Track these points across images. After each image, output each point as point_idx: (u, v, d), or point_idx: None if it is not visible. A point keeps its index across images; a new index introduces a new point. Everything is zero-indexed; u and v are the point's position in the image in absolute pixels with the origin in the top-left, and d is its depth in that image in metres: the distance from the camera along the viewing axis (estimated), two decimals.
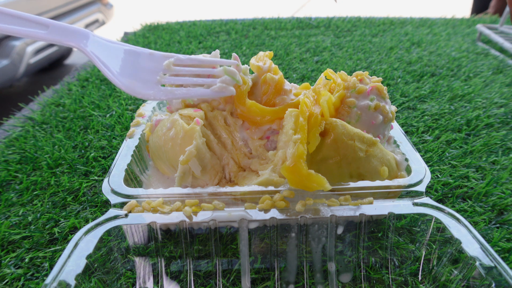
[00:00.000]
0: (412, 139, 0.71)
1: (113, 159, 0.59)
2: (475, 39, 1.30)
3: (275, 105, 0.51)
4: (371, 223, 0.45)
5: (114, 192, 0.43)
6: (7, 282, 0.44)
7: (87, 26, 2.43)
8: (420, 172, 0.45)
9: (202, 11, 4.11)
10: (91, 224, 0.39)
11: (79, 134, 0.74)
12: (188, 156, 0.43)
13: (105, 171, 0.64)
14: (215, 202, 0.41)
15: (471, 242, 0.36)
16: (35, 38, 0.32)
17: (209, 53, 0.51)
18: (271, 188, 0.42)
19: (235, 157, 0.50)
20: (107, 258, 0.40)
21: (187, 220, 0.40)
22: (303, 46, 1.25)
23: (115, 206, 0.41)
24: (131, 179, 0.48)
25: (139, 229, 0.41)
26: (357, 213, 0.40)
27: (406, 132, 0.74)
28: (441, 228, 0.39)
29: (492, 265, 0.34)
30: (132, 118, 0.78)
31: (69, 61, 2.81)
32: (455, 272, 0.38)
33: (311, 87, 0.53)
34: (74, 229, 0.51)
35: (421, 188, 0.43)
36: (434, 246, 0.41)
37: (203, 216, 0.40)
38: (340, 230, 0.42)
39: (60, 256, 0.36)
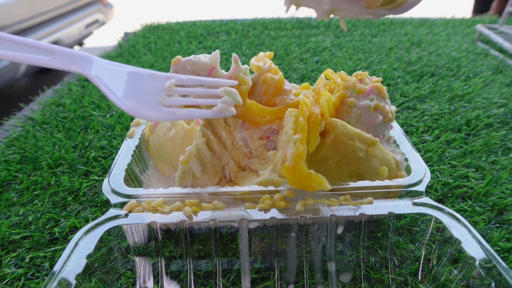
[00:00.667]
0: (412, 139, 0.71)
1: (113, 159, 0.59)
2: (474, 39, 1.30)
3: (275, 105, 0.51)
4: (371, 223, 0.46)
5: (114, 192, 0.43)
6: (8, 281, 0.44)
7: (87, 26, 2.44)
8: (420, 172, 0.45)
9: (202, 11, 4.11)
10: (91, 224, 0.39)
11: (79, 134, 0.74)
12: (188, 156, 0.43)
13: (105, 171, 0.64)
14: (215, 202, 0.41)
15: (470, 242, 0.36)
16: (40, 65, 0.33)
17: (209, 53, 0.51)
18: (271, 188, 0.42)
19: (235, 157, 0.50)
20: (107, 258, 0.40)
21: (187, 220, 0.40)
22: (303, 46, 1.25)
23: (115, 206, 0.41)
24: (131, 179, 0.48)
25: (139, 229, 0.42)
26: (357, 213, 0.40)
27: (406, 132, 0.74)
28: (441, 228, 0.40)
29: (492, 264, 0.34)
30: (132, 118, 0.78)
31: None
32: (455, 271, 0.38)
33: (311, 87, 0.53)
34: (74, 229, 0.51)
35: (421, 188, 0.43)
36: (434, 246, 0.41)
37: (203, 216, 0.40)
38: (340, 230, 0.42)
39: (60, 255, 0.36)
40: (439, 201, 0.56)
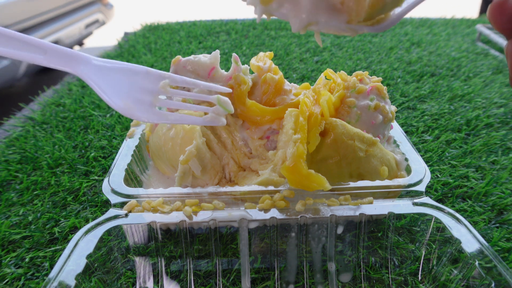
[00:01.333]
0: (412, 139, 0.71)
1: (113, 159, 0.59)
2: (474, 39, 1.30)
3: (275, 105, 0.51)
4: (371, 223, 0.46)
5: (114, 192, 0.43)
6: (8, 281, 0.44)
7: (87, 26, 2.44)
8: (420, 172, 0.45)
9: (202, 11, 4.11)
10: (91, 223, 0.39)
11: (79, 134, 0.74)
12: (188, 156, 0.43)
13: (105, 171, 0.64)
14: (215, 202, 0.41)
15: (471, 241, 0.36)
16: (33, 62, 0.32)
17: (209, 53, 0.51)
18: (271, 188, 0.42)
19: (235, 157, 0.50)
20: (107, 258, 0.40)
21: (187, 220, 0.40)
22: (303, 46, 1.25)
23: (115, 206, 0.41)
24: (131, 179, 0.48)
25: (139, 229, 0.42)
26: (357, 213, 0.40)
27: (406, 132, 0.74)
28: (441, 228, 0.40)
29: (492, 264, 0.34)
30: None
31: None
32: (455, 271, 0.38)
33: (311, 87, 0.53)
34: (74, 229, 0.51)
35: (421, 188, 0.43)
36: (434, 246, 0.41)
37: (203, 216, 0.40)
38: (340, 230, 0.42)
39: (60, 255, 0.36)
40: (439, 201, 0.55)
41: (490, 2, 0.25)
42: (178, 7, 4.49)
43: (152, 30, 1.49)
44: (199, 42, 1.32)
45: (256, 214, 0.40)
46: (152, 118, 0.36)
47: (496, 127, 0.74)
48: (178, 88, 0.44)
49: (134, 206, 0.41)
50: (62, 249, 0.48)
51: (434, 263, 0.42)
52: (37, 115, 0.83)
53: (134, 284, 0.42)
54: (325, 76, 0.52)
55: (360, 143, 0.44)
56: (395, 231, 0.48)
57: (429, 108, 0.82)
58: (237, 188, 0.42)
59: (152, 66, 1.08)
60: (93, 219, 0.52)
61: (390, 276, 0.43)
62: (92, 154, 0.67)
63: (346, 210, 0.40)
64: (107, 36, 3.17)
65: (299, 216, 0.40)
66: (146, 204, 0.41)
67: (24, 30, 1.92)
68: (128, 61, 1.14)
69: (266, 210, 0.40)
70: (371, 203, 0.41)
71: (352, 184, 0.43)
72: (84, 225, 0.44)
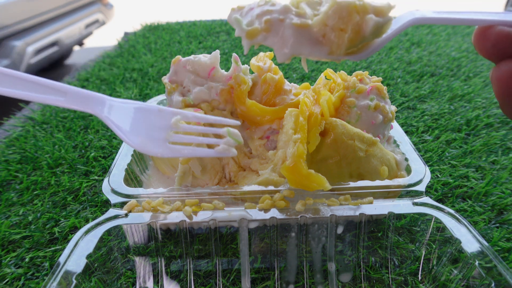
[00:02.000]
0: (412, 139, 0.71)
1: (113, 159, 0.59)
2: None
3: (275, 105, 0.51)
4: (371, 223, 0.45)
5: (114, 191, 0.43)
6: (8, 281, 0.44)
7: (87, 26, 2.44)
8: (420, 172, 0.45)
9: (202, 11, 4.11)
10: (91, 223, 0.39)
11: (79, 134, 0.74)
12: None
13: (105, 171, 0.64)
14: (215, 202, 0.41)
15: (471, 241, 0.36)
16: (55, 105, 0.35)
17: (209, 53, 0.51)
18: (271, 187, 0.42)
19: (235, 156, 0.50)
20: (107, 258, 0.40)
21: (187, 219, 0.40)
22: None
23: (115, 205, 0.41)
24: (131, 178, 0.48)
25: (139, 229, 0.42)
26: (357, 213, 0.40)
27: (406, 132, 0.74)
28: (441, 228, 0.40)
29: (492, 264, 0.34)
30: None
31: (69, 61, 2.81)
32: (455, 271, 0.38)
33: (311, 87, 0.53)
34: (74, 229, 0.51)
35: (421, 187, 0.43)
36: (434, 246, 0.41)
37: (203, 216, 0.40)
38: (340, 230, 0.42)
39: (60, 255, 0.36)
40: (439, 201, 0.55)
41: None
42: (178, 7, 4.49)
43: (152, 30, 1.49)
44: (199, 42, 1.32)
45: (256, 214, 0.40)
46: (166, 153, 0.38)
47: (496, 127, 0.74)
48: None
49: (134, 206, 0.41)
50: (62, 249, 0.48)
51: (434, 263, 0.41)
52: (37, 115, 0.83)
53: (134, 284, 0.42)
54: (325, 76, 0.52)
55: (360, 143, 0.44)
56: (395, 231, 0.48)
57: (429, 108, 0.82)
58: (237, 188, 0.42)
59: (152, 66, 1.08)
60: (93, 219, 0.52)
61: (390, 276, 0.43)
62: (92, 154, 0.67)
63: (346, 210, 0.40)
64: (107, 36, 3.17)
65: (299, 216, 0.40)
66: (146, 204, 0.41)
67: (25, 30, 1.92)
68: (128, 61, 1.14)
69: (266, 210, 0.40)
70: (371, 203, 0.41)
71: (352, 184, 0.43)
72: (84, 225, 0.44)
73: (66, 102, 0.34)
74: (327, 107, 0.45)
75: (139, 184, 0.50)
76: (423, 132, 0.73)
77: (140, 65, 1.09)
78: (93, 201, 0.56)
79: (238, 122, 0.41)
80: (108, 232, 0.39)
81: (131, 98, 0.89)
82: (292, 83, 0.55)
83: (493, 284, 0.33)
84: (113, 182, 0.44)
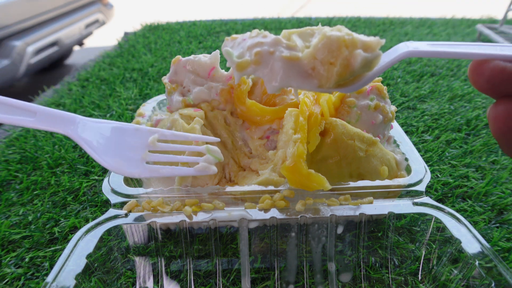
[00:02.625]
0: (412, 139, 0.71)
1: None
2: (475, 39, 1.30)
3: (275, 104, 0.51)
4: (371, 223, 0.45)
5: (114, 191, 0.43)
6: (8, 281, 0.44)
7: (87, 26, 2.44)
8: (420, 171, 0.45)
9: (202, 11, 4.11)
10: (91, 223, 0.39)
11: None
12: None
13: (105, 170, 0.64)
14: (215, 202, 0.41)
15: (471, 241, 0.36)
16: (23, 126, 0.33)
17: (209, 53, 0.51)
18: (271, 187, 0.42)
19: (235, 156, 0.50)
20: (107, 258, 0.40)
21: (187, 219, 0.40)
22: None
23: (115, 205, 0.41)
24: (131, 178, 0.48)
25: (139, 229, 0.42)
26: (357, 213, 0.40)
27: (406, 132, 0.74)
28: (441, 228, 0.40)
29: (492, 264, 0.34)
30: (132, 118, 0.78)
31: (69, 61, 2.81)
32: (455, 271, 0.38)
33: None
34: (74, 229, 0.51)
35: (421, 187, 0.43)
36: (434, 246, 0.41)
37: (203, 216, 0.40)
38: (340, 230, 0.42)
39: (60, 255, 0.36)
40: (439, 201, 0.55)
41: None
42: (178, 7, 4.49)
43: (152, 30, 1.49)
44: (199, 42, 1.32)
45: (256, 214, 0.40)
46: (143, 173, 0.36)
47: None
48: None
49: (134, 206, 0.41)
50: (62, 249, 0.48)
51: (434, 263, 0.41)
52: None
53: (134, 284, 0.42)
54: None
55: (360, 143, 0.44)
56: (395, 231, 0.48)
57: (429, 108, 0.82)
58: (237, 188, 0.42)
59: (152, 66, 1.08)
60: (93, 219, 0.52)
61: (390, 276, 0.43)
62: None
63: (346, 210, 0.40)
64: (107, 36, 3.17)
65: (299, 216, 0.40)
66: (146, 204, 0.41)
67: (25, 30, 1.92)
68: (128, 61, 1.14)
69: (266, 210, 0.40)
70: (371, 203, 0.41)
71: (352, 184, 0.43)
72: (84, 225, 0.44)
73: (36, 123, 0.33)
74: (327, 107, 0.45)
75: (139, 184, 0.50)
76: (423, 132, 0.73)
77: (140, 65, 1.09)
78: (93, 201, 0.56)
79: (217, 139, 0.40)
80: (108, 232, 0.39)
81: (131, 98, 0.89)
82: None
83: (493, 284, 0.33)
84: (113, 182, 0.44)
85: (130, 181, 0.47)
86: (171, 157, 0.38)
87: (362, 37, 0.29)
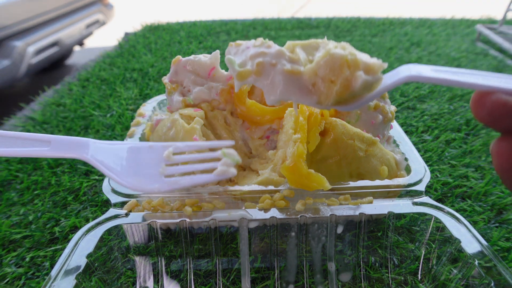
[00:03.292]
0: (412, 139, 0.71)
1: None
2: (474, 39, 1.30)
3: (275, 104, 0.51)
4: (370, 223, 0.46)
5: (115, 191, 0.43)
6: (8, 281, 0.44)
7: (87, 26, 2.44)
8: (420, 171, 0.45)
9: (203, 11, 4.11)
10: (91, 223, 0.39)
11: (79, 134, 0.75)
12: None
13: None
14: (215, 202, 0.41)
15: (470, 241, 0.36)
16: (39, 156, 0.34)
17: (209, 53, 0.51)
18: (271, 187, 0.42)
19: None
20: (108, 257, 0.40)
21: (187, 219, 0.40)
22: None
23: (115, 205, 0.42)
24: None
25: (139, 228, 0.42)
26: (357, 213, 0.40)
27: (405, 131, 0.74)
28: (440, 228, 0.40)
29: (491, 264, 0.34)
30: (132, 118, 0.79)
31: (70, 61, 2.81)
32: (455, 271, 0.38)
33: None
34: (74, 229, 0.52)
35: (421, 187, 0.43)
36: (433, 245, 0.42)
37: (203, 216, 0.40)
38: (340, 230, 0.42)
39: (60, 255, 0.36)
40: (438, 200, 0.56)
41: None
42: (178, 7, 4.49)
43: (152, 30, 1.49)
44: (199, 42, 1.32)
45: (256, 214, 0.40)
46: (163, 187, 0.37)
47: None
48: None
49: (134, 205, 0.41)
50: (63, 249, 0.48)
51: (434, 262, 0.42)
52: (38, 115, 0.83)
53: (134, 283, 0.42)
54: None
55: (360, 143, 0.44)
56: (395, 231, 0.48)
57: (429, 108, 0.82)
58: (237, 188, 0.42)
59: (152, 66, 1.09)
60: (94, 218, 0.52)
61: (390, 275, 0.43)
62: None
63: (346, 209, 0.40)
64: (108, 36, 3.17)
65: (299, 216, 0.40)
66: (146, 204, 0.41)
67: (25, 31, 1.92)
68: (128, 61, 1.14)
69: (266, 210, 0.40)
70: (371, 202, 0.41)
71: (352, 184, 0.43)
72: (85, 224, 0.44)
73: (51, 151, 0.34)
74: None
75: None
76: (423, 132, 0.74)
77: (140, 65, 1.09)
78: (93, 201, 0.56)
79: (231, 142, 0.40)
80: (109, 231, 0.39)
81: (131, 98, 0.89)
82: None
83: (492, 284, 0.33)
84: (113, 182, 0.44)
85: None
86: (189, 167, 0.38)
87: (365, 58, 0.28)
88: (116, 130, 0.75)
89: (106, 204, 0.56)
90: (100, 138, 0.73)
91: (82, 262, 0.35)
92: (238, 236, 0.47)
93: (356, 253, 0.43)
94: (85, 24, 2.39)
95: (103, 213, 0.53)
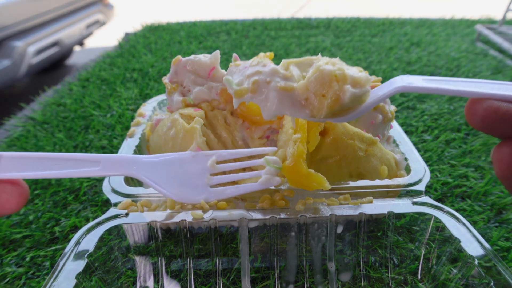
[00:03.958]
0: (412, 139, 0.71)
1: None
2: (474, 39, 1.30)
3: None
4: (370, 222, 0.46)
5: (115, 191, 0.43)
6: (8, 280, 0.44)
7: (88, 26, 2.44)
8: (420, 171, 0.45)
9: (203, 12, 4.11)
10: (91, 223, 0.39)
11: (80, 133, 0.75)
12: None
13: None
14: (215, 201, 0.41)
15: (470, 241, 0.36)
16: (91, 176, 0.36)
17: (209, 53, 0.51)
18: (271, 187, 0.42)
19: None
20: (108, 257, 0.40)
21: (187, 219, 0.40)
22: (303, 46, 1.25)
23: (115, 205, 0.42)
24: (132, 178, 0.48)
25: (139, 228, 0.42)
26: (357, 212, 0.40)
27: (405, 131, 0.74)
28: (440, 227, 0.40)
29: (491, 264, 0.34)
30: (132, 118, 0.79)
31: (70, 61, 2.81)
32: (454, 271, 0.38)
33: None
34: (74, 228, 0.52)
35: (421, 187, 0.43)
36: (433, 245, 0.42)
37: (203, 215, 0.40)
38: (339, 229, 0.42)
39: (60, 255, 0.36)
40: (438, 200, 0.56)
41: None
42: (178, 7, 4.49)
43: (152, 30, 1.49)
44: (199, 42, 1.32)
45: (256, 214, 0.40)
46: (210, 197, 0.38)
47: None
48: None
49: (129, 205, 0.41)
50: (63, 248, 0.48)
51: (434, 262, 0.42)
52: (38, 115, 0.83)
53: (134, 283, 0.42)
54: None
55: (360, 143, 0.44)
56: (394, 231, 0.48)
57: (429, 108, 0.82)
58: None
59: (152, 66, 1.09)
60: (94, 218, 0.53)
61: (389, 275, 0.43)
62: None
63: (346, 209, 0.40)
64: (108, 36, 3.17)
65: (299, 216, 0.40)
66: (140, 206, 0.41)
67: (25, 31, 1.92)
68: (128, 61, 1.14)
69: (266, 210, 0.40)
70: (371, 202, 0.41)
71: (351, 184, 0.43)
72: (85, 224, 0.44)
73: (102, 171, 0.35)
74: None
75: (139, 183, 0.50)
76: (423, 132, 0.74)
77: (140, 65, 1.10)
78: (93, 201, 0.56)
79: (274, 149, 0.41)
80: (109, 231, 0.39)
81: (131, 98, 0.89)
82: None
83: (492, 283, 0.33)
84: (114, 182, 0.44)
85: (131, 181, 0.47)
86: (233, 176, 0.39)
87: (353, 73, 0.30)
88: (116, 130, 0.75)
89: (106, 204, 0.56)
90: (100, 138, 0.73)
91: (82, 262, 0.35)
92: (238, 236, 0.47)
93: (356, 253, 0.43)
94: (85, 24, 2.40)
95: (103, 213, 0.53)
